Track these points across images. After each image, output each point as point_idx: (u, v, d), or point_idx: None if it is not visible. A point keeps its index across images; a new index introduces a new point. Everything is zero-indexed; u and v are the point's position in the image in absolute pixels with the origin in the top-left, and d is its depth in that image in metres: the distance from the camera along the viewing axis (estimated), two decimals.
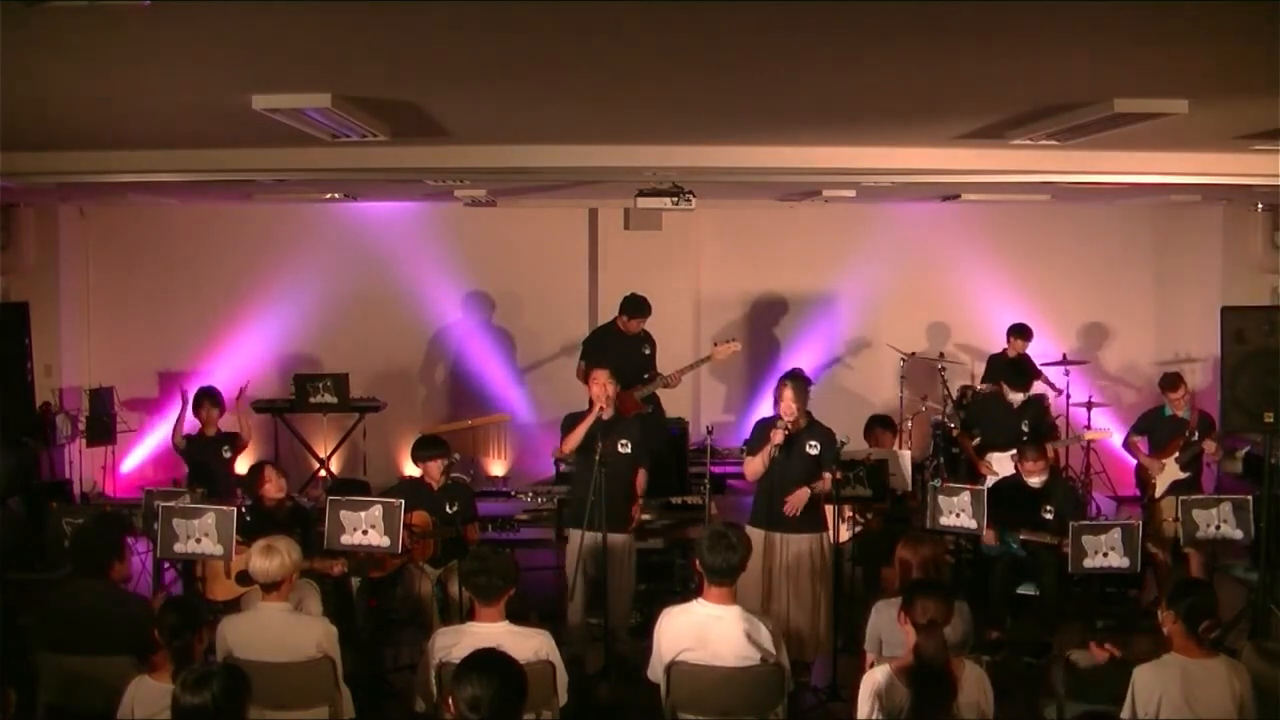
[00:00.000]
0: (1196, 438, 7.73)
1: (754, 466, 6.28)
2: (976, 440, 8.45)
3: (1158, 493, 7.84)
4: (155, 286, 10.82)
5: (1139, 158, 6.79)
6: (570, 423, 6.67)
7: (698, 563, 4.65)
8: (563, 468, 8.58)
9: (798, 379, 6.32)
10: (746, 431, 10.59)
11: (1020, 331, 9.69)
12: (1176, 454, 7.80)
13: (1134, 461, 8.22)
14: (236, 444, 8.44)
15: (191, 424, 8.45)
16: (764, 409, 10.13)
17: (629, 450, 6.35)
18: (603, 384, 6.54)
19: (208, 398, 8.38)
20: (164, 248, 10.83)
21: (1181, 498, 6.55)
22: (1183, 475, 7.81)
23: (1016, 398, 8.29)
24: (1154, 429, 8.03)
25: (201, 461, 8.24)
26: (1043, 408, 9.03)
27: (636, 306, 8.48)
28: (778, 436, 6.13)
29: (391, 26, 3.63)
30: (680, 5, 3.35)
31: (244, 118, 4.95)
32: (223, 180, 7.47)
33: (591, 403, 6.56)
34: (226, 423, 8.53)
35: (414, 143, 6.37)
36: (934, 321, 11.16)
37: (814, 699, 6.13)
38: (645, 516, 7.28)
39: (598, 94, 4.95)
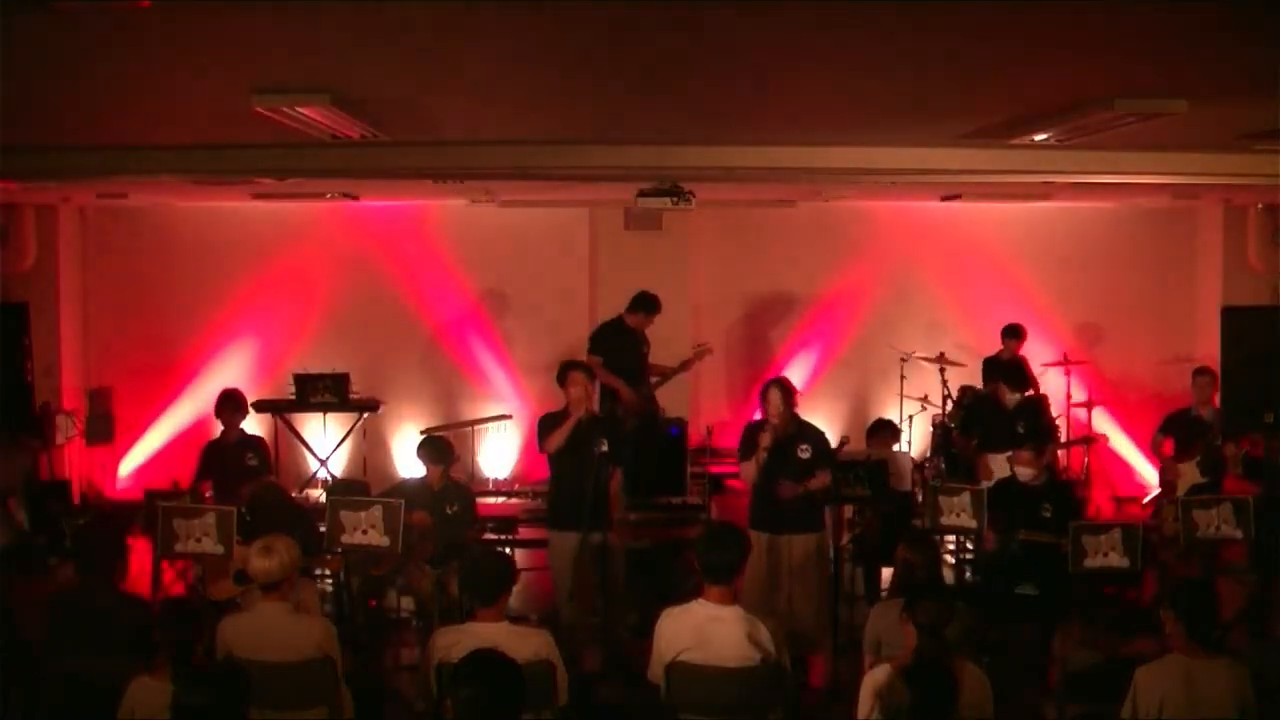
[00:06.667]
0: (1220, 441, 7.66)
1: (747, 472, 6.35)
2: (975, 443, 8.44)
3: (1178, 495, 7.77)
4: (155, 286, 10.80)
5: (1139, 158, 6.78)
6: (547, 424, 6.61)
7: (696, 562, 4.66)
8: None
9: (781, 382, 6.45)
10: None
11: (1014, 332, 9.64)
12: (1198, 459, 7.73)
13: (1158, 461, 8.12)
14: (264, 450, 7.73)
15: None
16: None
17: (605, 449, 6.31)
18: (580, 385, 6.47)
19: (230, 401, 7.76)
20: (164, 248, 10.80)
21: (1182, 498, 6.53)
22: (1202, 480, 7.69)
23: (1014, 398, 8.28)
24: (1179, 430, 7.95)
25: (221, 470, 7.54)
26: (1040, 409, 9.01)
27: (651, 304, 8.46)
28: (765, 439, 6.17)
29: (391, 26, 3.63)
30: (681, 6, 3.35)
31: (244, 118, 4.95)
32: (223, 180, 7.47)
33: (569, 405, 6.50)
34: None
35: (414, 143, 6.37)
36: (934, 322, 11.14)
37: (814, 699, 6.13)
38: (632, 516, 7.28)
39: (598, 94, 4.95)
